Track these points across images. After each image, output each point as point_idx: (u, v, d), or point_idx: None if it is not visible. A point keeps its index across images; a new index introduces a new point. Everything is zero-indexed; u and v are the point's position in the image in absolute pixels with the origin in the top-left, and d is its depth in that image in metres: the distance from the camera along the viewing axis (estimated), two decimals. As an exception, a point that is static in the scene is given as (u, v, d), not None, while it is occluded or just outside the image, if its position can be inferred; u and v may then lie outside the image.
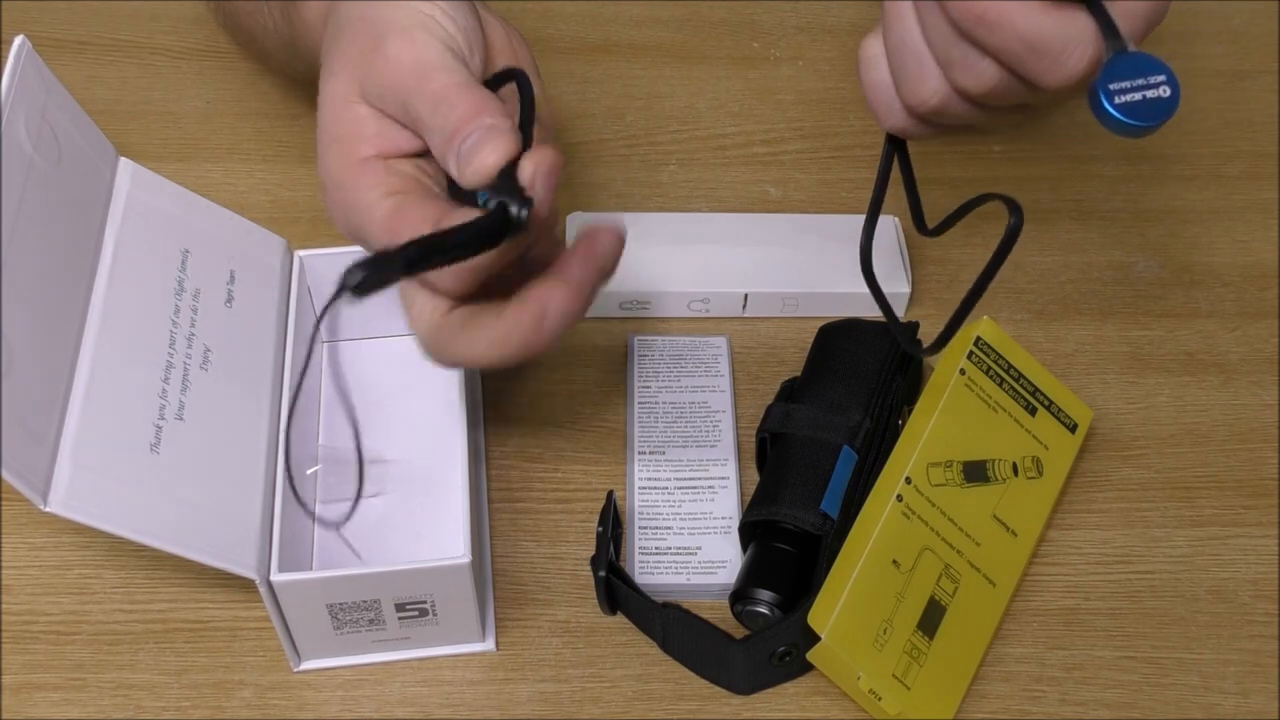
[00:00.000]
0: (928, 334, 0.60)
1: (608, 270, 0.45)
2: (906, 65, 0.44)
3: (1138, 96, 0.40)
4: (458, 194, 0.46)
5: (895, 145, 0.49)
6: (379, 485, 0.57)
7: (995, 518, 0.54)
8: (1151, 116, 0.40)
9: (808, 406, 0.56)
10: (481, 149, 0.42)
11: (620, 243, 0.45)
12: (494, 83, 0.47)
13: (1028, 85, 0.42)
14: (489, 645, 0.53)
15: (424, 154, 0.46)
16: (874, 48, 0.46)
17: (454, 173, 0.44)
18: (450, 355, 0.45)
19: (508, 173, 0.42)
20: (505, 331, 0.43)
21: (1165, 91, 0.40)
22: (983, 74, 0.42)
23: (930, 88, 0.43)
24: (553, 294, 0.43)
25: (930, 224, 0.52)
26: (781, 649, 0.51)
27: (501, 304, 0.44)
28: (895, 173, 0.49)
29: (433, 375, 0.61)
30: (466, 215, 0.42)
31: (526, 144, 0.44)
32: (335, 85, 0.46)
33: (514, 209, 0.41)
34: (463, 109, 0.43)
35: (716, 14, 0.80)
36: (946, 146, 0.58)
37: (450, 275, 0.43)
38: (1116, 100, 0.40)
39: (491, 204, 0.41)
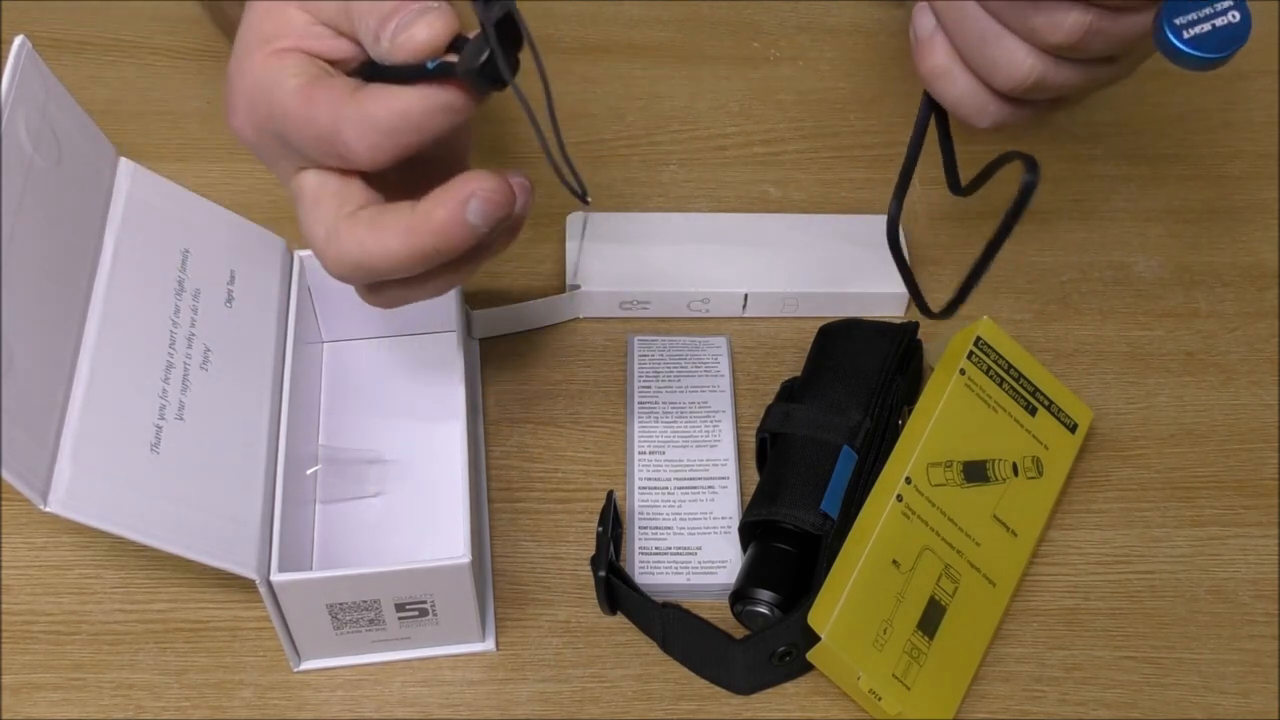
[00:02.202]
0: (929, 334, 0.60)
1: (527, 187, 0.43)
2: (993, 55, 0.43)
3: (1206, 27, 0.38)
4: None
5: (934, 106, 0.46)
6: (379, 485, 0.57)
7: (995, 518, 0.54)
8: (1223, 46, 0.38)
9: (808, 406, 0.56)
10: (413, 25, 0.41)
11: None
12: None
13: (1115, 18, 0.40)
14: (489, 645, 0.53)
15: (346, 67, 0.45)
16: (937, 58, 0.44)
17: (382, 52, 0.42)
18: (351, 253, 0.43)
19: (461, 44, 0.41)
20: (421, 218, 0.41)
21: (1234, 16, 0.38)
22: (1073, 24, 0.40)
23: (1026, 65, 0.42)
24: (478, 179, 0.41)
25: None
26: (781, 649, 0.51)
27: (414, 201, 0.42)
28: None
29: (433, 375, 0.61)
30: (387, 89, 0.41)
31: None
32: None
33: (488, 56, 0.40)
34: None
35: (716, 14, 0.80)
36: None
37: (376, 137, 0.41)
38: (1185, 35, 0.38)
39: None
